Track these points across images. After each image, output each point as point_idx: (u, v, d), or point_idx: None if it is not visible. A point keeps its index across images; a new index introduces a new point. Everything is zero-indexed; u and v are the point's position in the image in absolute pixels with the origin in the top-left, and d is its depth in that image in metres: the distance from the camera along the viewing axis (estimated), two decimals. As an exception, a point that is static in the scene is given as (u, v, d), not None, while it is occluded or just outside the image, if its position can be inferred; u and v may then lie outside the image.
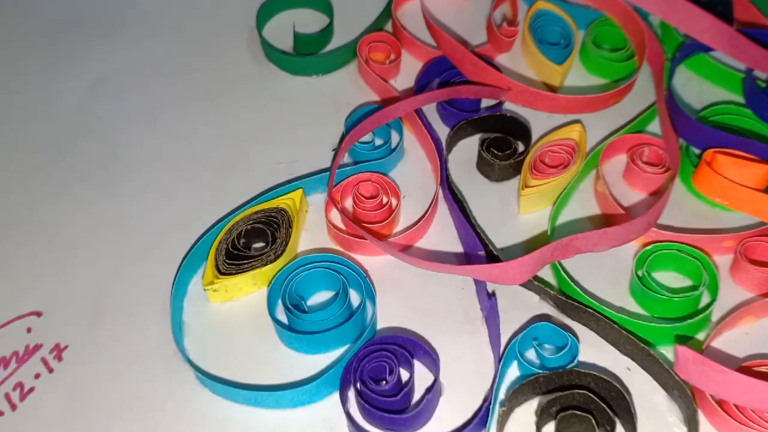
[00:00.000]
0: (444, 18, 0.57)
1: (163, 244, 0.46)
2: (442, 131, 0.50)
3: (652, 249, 0.42)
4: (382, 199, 0.46)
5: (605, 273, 0.44)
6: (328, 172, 0.48)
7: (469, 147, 0.50)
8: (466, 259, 0.45)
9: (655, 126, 0.50)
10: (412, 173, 0.49)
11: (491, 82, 0.50)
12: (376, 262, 0.45)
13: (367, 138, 0.50)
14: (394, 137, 0.50)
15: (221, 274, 0.43)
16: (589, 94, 0.51)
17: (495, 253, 0.44)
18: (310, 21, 0.57)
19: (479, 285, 0.43)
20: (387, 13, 0.56)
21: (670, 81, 0.50)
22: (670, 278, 0.43)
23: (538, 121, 0.50)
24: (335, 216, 0.46)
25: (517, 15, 0.55)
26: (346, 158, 0.50)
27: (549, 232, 0.45)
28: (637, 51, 0.52)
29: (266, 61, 0.56)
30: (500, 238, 0.46)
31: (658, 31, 0.55)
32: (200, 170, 0.50)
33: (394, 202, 0.47)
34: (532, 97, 0.49)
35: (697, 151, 0.48)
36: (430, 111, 0.52)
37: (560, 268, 0.42)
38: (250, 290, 0.44)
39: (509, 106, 0.51)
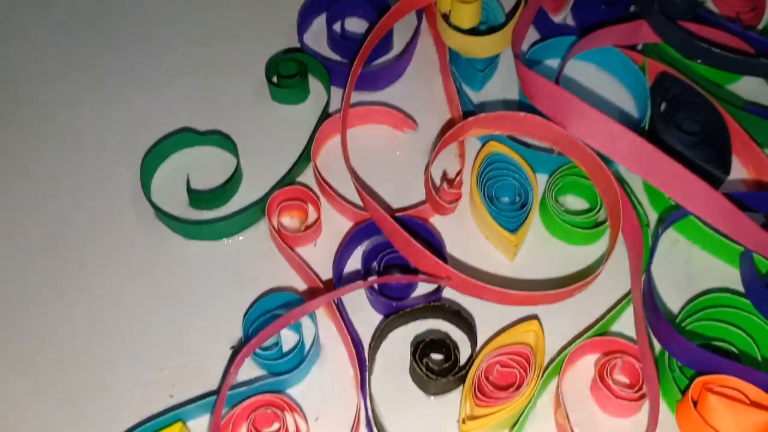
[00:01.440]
0: (377, 160, 0.46)
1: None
2: (371, 318, 0.41)
3: None
4: (285, 429, 0.36)
5: None
6: (215, 397, 0.37)
7: (402, 341, 0.40)
8: None
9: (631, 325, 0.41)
10: (328, 382, 0.39)
11: (426, 268, 0.40)
12: None
13: (271, 340, 0.39)
14: (307, 338, 0.39)
15: None
16: (548, 276, 0.41)
17: None
18: (211, 163, 0.46)
19: None
20: (307, 157, 0.45)
21: (650, 262, 0.40)
22: None
23: (486, 312, 0.40)
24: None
25: (463, 170, 0.44)
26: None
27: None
28: (610, 215, 0.42)
29: (155, 219, 0.44)
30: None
31: (639, 191, 0.45)
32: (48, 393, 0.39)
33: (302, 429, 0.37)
34: (477, 289, 0.39)
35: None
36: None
37: None
38: None
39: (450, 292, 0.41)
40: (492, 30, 0.47)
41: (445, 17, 0.47)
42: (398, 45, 0.51)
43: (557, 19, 0.48)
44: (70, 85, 0.50)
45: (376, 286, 0.41)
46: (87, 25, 0.52)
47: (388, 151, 0.47)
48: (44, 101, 0.49)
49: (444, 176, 0.45)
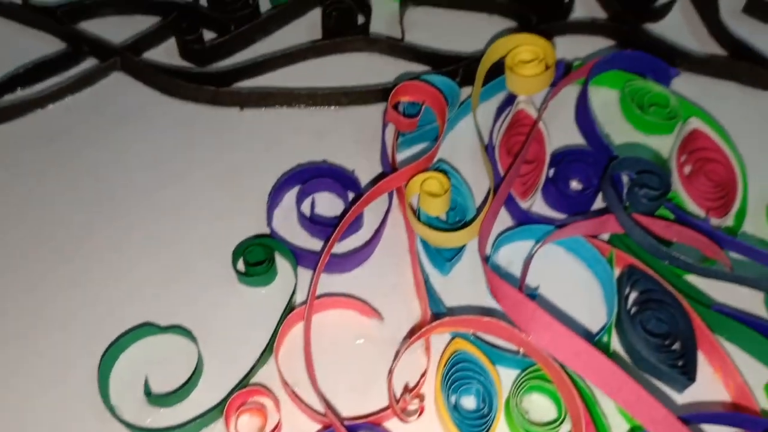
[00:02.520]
0: (342, 348, 0.45)
1: None
2: None
3: None
4: None
5: None
6: None
7: None
8: None
9: None
10: None
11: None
12: None
13: None
14: None
15: None
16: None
17: None
18: (173, 354, 0.44)
19: None
20: (270, 351, 0.44)
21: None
22: None
23: None
24: None
25: (428, 370, 0.43)
26: None
27: None
28: (573, 427, 0.41)
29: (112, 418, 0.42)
30: None
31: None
32: None
33: None
34: None
35: None
36: None
37: None
38: None
39: None
40: (462, 224, 0.48)
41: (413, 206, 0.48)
42: (367, 222, 0.50)
43: (525, 205, 0.49)
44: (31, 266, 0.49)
45: None
46: (54, 199, 0.51)
47: (352, 340, 0.46)
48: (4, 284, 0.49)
49: (406, 387, 0.44)
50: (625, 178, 0.49)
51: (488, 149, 0.51)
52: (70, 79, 0.54)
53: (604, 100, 0.55)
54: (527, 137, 0.50)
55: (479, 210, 0.49)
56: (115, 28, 0.57)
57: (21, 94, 0.54)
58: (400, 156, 0.52)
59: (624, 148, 0.52)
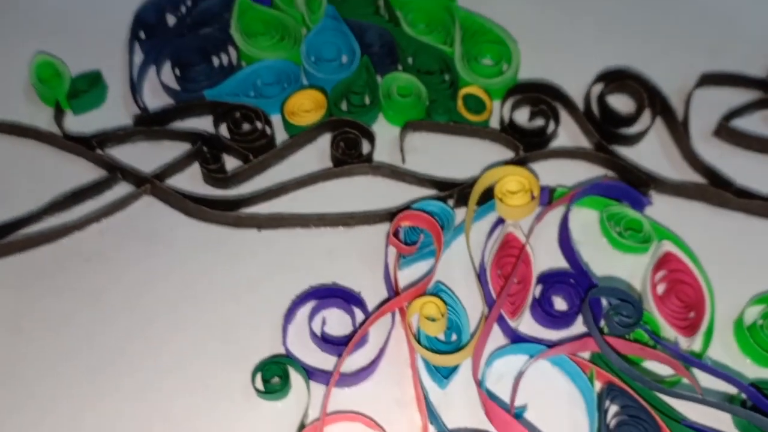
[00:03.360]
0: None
1: None
2: None
3: None
4: None
5: None
6: None
7: None
8: None
9: None
10: None
11: None
12: None
13: None
14: None
15: None
16: None
17: None
18: None
19: None
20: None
21: None
22: None
23: None
24: None
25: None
26: None
27: None
28: None
29: None
30: None
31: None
32: None
33: None
34: None
35: None
36: None
37: None
38: None
39: None
40: (458, 342, 0.54)
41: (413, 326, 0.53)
42: (372, 338, 0.56)
43: (514, 324, 0.54)
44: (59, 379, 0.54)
45: None
46: (85, 316, 0.56)
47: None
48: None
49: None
50: (604, 302, 0.54)
51: (480, 268, 0.57)
52: (106, 205, 0.60)
53: (585, 220, 0.61)
54: (516, 260, 0.56)
55: (474, 331, 0.54)
56: (144, 154, 0.63)
57: (61, 217, 0.61)
58: (402, 273, 0.58)
59: (603, 270, 0.58)
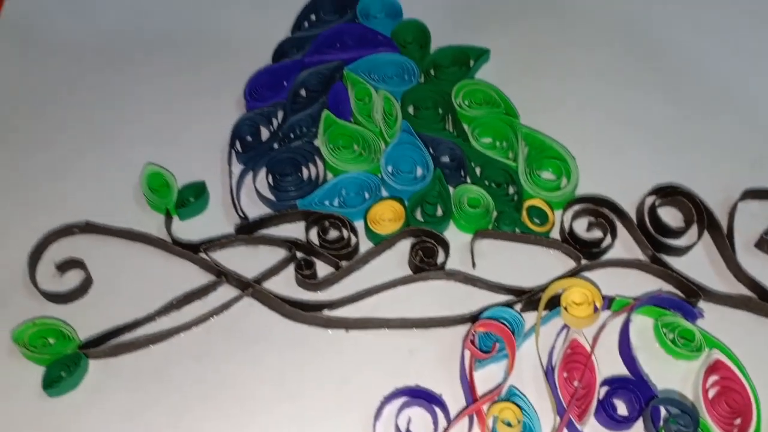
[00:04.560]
0: None
1: None
2: None
3: None
4: None
5: None
6: None
7: None
8: None
9: None
10: None
11: None
12: None
13: None
14: None
15: None
16: None
17: None
18: None
19: None
20: None
21: None
22: None
23: None
24: None
25: None
26: None
27: None
28: None
29: None
30: None
31: None
32: None
33: None
34: None
35: None
36: None
37: None
38: None
39: None
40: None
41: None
42: (452, 434, 0.63)
43: (581, 427, 0.61)
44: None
45: None
46: (195, 409, 0.64)
47: None
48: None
49: None
50: (663, 411, 0.61)
51: (548, 371, 0.64)
52: (213, 307, 0.68)
53: (642, 326, 0.67)
54: (583, 367, 0.62)
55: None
56: (244, 258, 0.71)
57: (172, 316, 0.68)
58: (476, 374, 0.65)
59: (657, 372, 0.64)
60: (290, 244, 0.71)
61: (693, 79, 0.83)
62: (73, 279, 0.69)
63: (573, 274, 0.69)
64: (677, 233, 0.71)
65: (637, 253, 0.71)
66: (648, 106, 0.81)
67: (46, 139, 0.80)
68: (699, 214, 0.72)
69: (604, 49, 0.85)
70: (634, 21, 0.88)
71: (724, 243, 0.70)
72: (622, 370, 0.65)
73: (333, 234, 0.72)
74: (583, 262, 0.70)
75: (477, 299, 0.69)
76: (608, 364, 0.65)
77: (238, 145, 0.77)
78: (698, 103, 0.81)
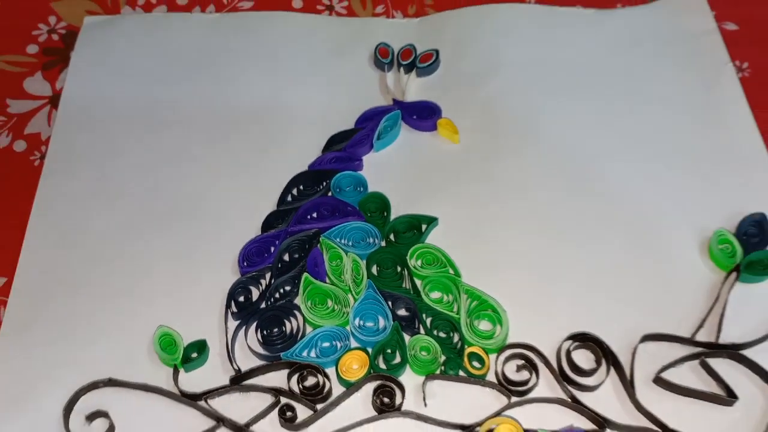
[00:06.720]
0: None
1: None
2: None
3: None
4: None
5: None
6: None
7: None
8: None
9: None
10: None
11: None
12: None
13: None
14: None
15: None
16: None
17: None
18: None
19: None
20: None
21: None
22: None
23: None
24: None
25: None
26: None
27: None
28: None
29: None
30: None
31: None
32: None
33: None
34: None
35: None
36: None
37: None
38: None
39: None
40: None
41: None
42: None
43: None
44: None
45: None
46: None
47: None
48: None
49: None
50: None
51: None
52: (212, 447, 0.84)
53: (560, 454, 0.83)
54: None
55: None
56: (237, 403, 0.87)
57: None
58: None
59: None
60: (275, 391, 0.87)
61: (609, 239, 1.00)
62: (99, 428, 0.85)
63: (503, 410, 0.85)
64: (589, 373, 0.88)
65: (557, 390, 0.88)
66: (570, 264, 0.98)
67: (74, 301, 0.97)
68: (606, 356, 0.88)
69: (534, 214, 1.02)
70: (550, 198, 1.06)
71: (627, 381, 0.87)
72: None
73: (311, 381, 0.88)
74: (513, 399, 0.86)
75: (429, 434, 0.86)
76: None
77: (233, 305, 0.94)
78: (612, 257, 0.98)
